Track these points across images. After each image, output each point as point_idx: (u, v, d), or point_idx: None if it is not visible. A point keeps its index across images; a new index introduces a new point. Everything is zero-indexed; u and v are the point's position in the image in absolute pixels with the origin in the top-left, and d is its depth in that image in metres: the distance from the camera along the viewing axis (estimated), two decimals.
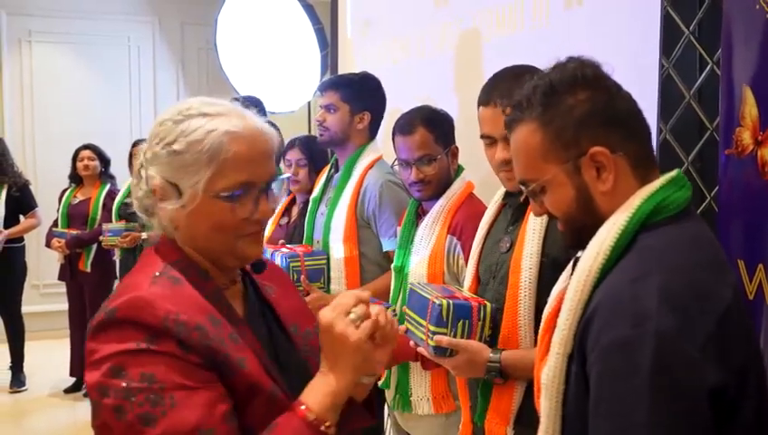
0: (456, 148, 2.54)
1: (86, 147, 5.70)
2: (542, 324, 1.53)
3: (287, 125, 4.66)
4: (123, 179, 5.57)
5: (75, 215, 5.61)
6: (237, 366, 1.21)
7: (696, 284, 1.21)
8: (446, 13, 3.38)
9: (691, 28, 2.28)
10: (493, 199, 2.18)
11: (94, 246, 5.46)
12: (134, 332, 1.16)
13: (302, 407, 1.20)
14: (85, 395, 5.58)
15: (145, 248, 1.32)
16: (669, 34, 2.33)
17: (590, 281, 1.28)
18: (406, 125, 2.51)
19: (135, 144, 5.37)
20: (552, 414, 1.34)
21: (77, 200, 5.67)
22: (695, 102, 2.26)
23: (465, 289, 2.15)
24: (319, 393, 1.21)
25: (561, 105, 1.34)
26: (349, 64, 4.30)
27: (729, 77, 1.83)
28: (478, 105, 2.03)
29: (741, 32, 1.78)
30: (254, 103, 4.76)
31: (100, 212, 5.50)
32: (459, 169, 2.57)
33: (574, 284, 1.30)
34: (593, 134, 1.32)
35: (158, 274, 1.27)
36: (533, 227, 1.92)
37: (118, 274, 5.49)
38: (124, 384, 1.13)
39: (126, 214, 5.19)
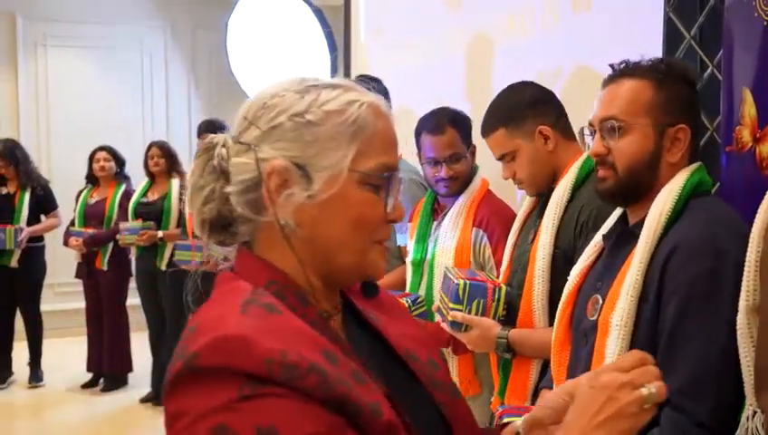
0: (475, 147, 2.68)
1: (102, 148, 5.84)
2: (563, 297, 1.78)
3: None
4: (137, 180, 5.71)
5: (92, 214, 5.75)
6: (371, 415, 0.91)
7: (746, 231, 1.46)
8: (458, 17, 3.51)
9: (692, 32, 2.41)
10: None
11: (110, 245, 5.60)
12: (227, 380, 0.86)
13: None
14: (102, 390, 5.73)
15: (218, 275, 1.06)
16: (671, 38, 2.47)
17: (656, 235, 1.55)
18: (436, 126, 2.62)
19: (150, 147, 5.52)
20: (621, 352, 1.53)
21: (93, 200, 5.80)
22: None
23: (501, 274, 2.34)
24: None
25: (675, 84, 1.64)
26: (362, 68, 4.42)
27: (730, 80, 1.96)
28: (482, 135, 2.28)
29: (741, 38, 1.92)
30: None
31: (116, 212, 5.64)
32: (475, 168, 2.72)
33: (643, 239, 1.56)
34: (686, 116, 1.64)
35: (246, 301, 0.96)
36: (547, 223, 2.11)
37: (134, 272, 5.62)
38: None
39: (142, 213, 5.32)
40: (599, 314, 1.60)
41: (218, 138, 1.05)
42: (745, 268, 1.25)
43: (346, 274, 1.06)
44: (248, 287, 0.99)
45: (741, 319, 1.26)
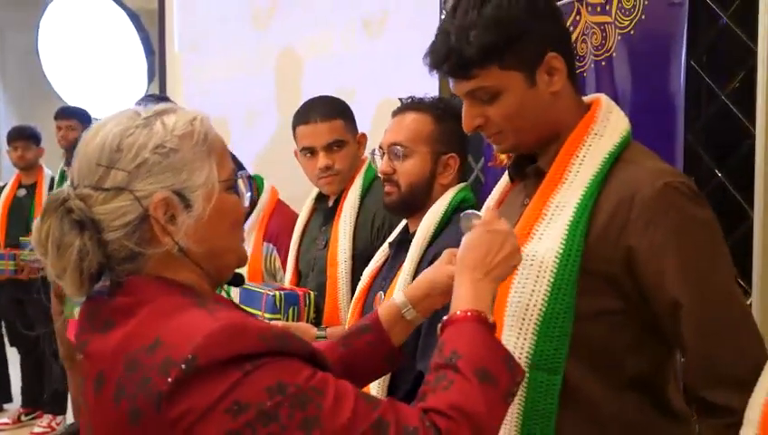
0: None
1: None
2: (356, 295, 2.06)
3: None
4: None
5: None
6: (325, 361, 1.08)
7: None
8: (265, 35, 3.74)
9: None
10: (305, 204, 2.59)
11: None
12: (229, 367, 0.95)
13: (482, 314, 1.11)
14: None
15: (108, 302, 1.06)
16: None
17: (425, 242, 1.85)
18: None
19: None
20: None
21: None
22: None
23: (287, 281, 2.55)
24: (484, 301, 1.14)
25: (450, 120, 1.86)
26: (176, 77, 4.54)
27: None
28: (296, 125, 2.40)
29: None
30: (80, 114, 4.88)
31: None
32: (260, 181, 2.87)
33: (413, 246, 1.84)
34: (457, 146, 1.93)
35: (198, 303, 1.04)
36: (344, 228, 2.36)
37: None
38: (254, 414, 0.94)
39: None
40: None
41: (62, 192, 1.06)
42: None
43: (229, 272, 1.17)
44: (178, 299, 1.04)
45: None
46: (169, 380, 0.94)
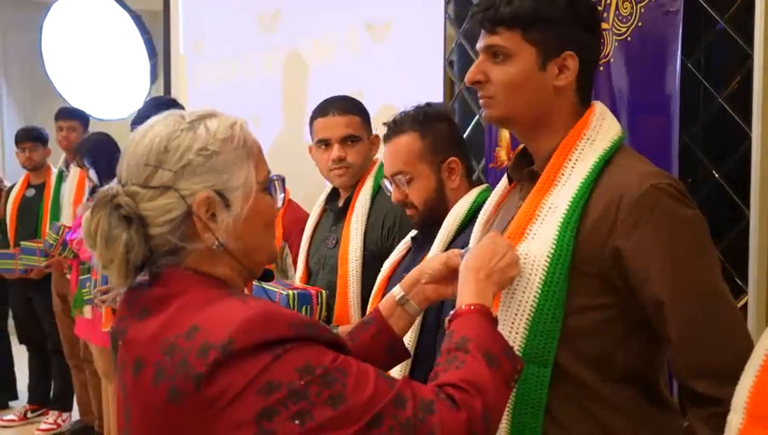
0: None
1: None
2: (377, 284, 2.12)
3: (117, 131, 4.80)
4: None
5: None
6: (346, 348, 1.15)
7: None
8: (271, 38, 3.79)
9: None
10: (315, 204, 2.64)
11: None
12: (262, 352, 1.03)
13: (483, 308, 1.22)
14: None
15: (145, 292, 1.14)
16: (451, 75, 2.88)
17: (448, 238, 1.92)
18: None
19: None
20: (416, 330, 1.87)
21: None
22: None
23: (297, 279, 2.60)
24: (487, 298, 1.23)
25: (435, 126, 1.98)
26: (181, 79, 4.58)
27: None
28: (314, 118, 2.47)
29: None
30: (81, 115, 4.89)
31: None
32: None
33: (437, 242, 1.92)
34: (453, 149, 1.99)
35: (231, 293, 1.13)
36: (355, 227, 2.40)
37: None
38: (285, 392, 1.02)
39: None
40: None
41: (111, 189, 1.13)
42: None
43: (260, 268, 1.25)
44: (212, 291, 1.12)
45: None
46: (208, 361, 1.02)
